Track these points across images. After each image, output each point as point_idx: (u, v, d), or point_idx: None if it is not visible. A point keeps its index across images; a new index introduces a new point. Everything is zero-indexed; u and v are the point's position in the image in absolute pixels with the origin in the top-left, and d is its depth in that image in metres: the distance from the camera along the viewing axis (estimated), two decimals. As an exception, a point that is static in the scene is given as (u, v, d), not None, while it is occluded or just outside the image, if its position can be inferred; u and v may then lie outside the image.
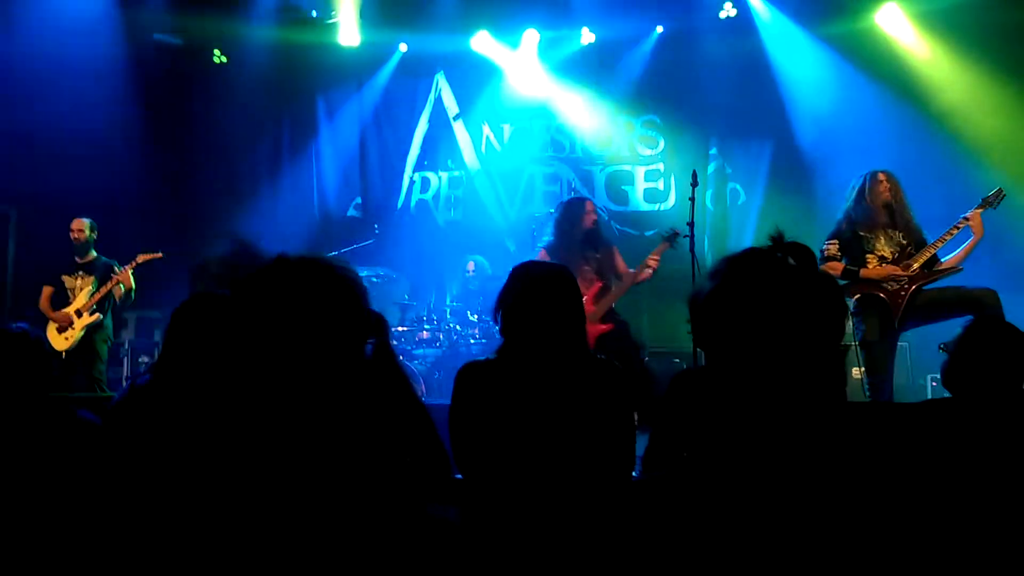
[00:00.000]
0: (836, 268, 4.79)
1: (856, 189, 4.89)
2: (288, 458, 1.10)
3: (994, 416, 2.19)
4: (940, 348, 2.41)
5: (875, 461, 1.02)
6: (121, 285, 6.07)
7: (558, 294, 2.39)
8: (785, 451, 1.03)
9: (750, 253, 1.10)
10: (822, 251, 4.87)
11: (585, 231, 5.27)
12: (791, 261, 1.10)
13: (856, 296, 4.79)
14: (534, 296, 2.37)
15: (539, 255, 5.36)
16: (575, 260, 5.08)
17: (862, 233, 4.80)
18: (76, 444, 2.29)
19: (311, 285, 1.12)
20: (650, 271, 5.23)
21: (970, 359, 2.28)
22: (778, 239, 1.10)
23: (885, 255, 4.75)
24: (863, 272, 4.73)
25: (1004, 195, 4.70)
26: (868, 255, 4.76)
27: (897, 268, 4.69)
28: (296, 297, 1.10)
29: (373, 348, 2.63)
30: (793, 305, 1.04)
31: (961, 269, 4.68)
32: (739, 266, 1.10)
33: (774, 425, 1.03)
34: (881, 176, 4.83)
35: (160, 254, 6.17)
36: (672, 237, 5.24)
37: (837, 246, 4.85)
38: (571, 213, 5.32)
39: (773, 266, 1.08)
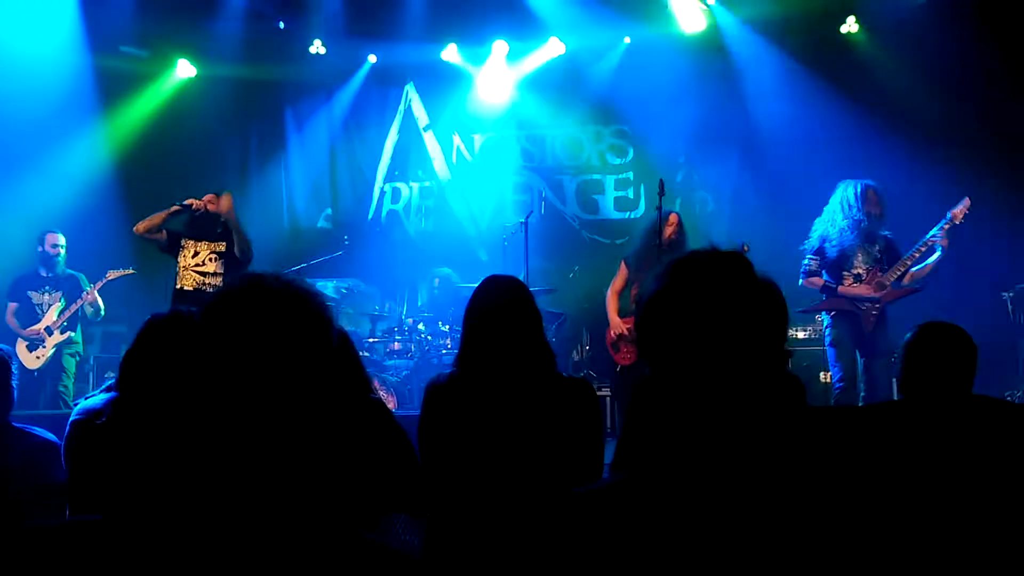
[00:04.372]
0: (817, 283, 5.03)
1: (845, 201, 4.96)
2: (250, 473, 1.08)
3: (942, 417, 2.24)
4: (892, 359, 2.47)
5: (826, 464, 1.04)
6: (86, 307, 6.00)
7: (511, 312, 2.38)
8: (729, 455, 1.04)
9: (691, 256, 1.11)
10: (805, 266, 5.06)
11: (669, 242, 5.08)
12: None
13: (832, 311, 5.00)
14: (489, 313, 2.38)
15: (620, 266, 5.33)
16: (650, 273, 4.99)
17: (841, 251, 4.95)
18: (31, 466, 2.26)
19: (287, 309, 1.09)
20: None
21: (919, 362, 2.34)
22: (714, 249, 1.12)
23: (860, 272, 4.92)
24: (840, 289, 4.94)
25: (970, 205, 4.82)
26: (844, 272, 4.94)
27: (870, 288, 4.87)
28: (272, 321, 1.08)
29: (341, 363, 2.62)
30: (731, 307, 1.05)
31: (921, 288, 4.88)
32: (679, 268, 1.11)
33: (716, 428, 1.05)
34: (871, 191, 4.94)
35: (131, 270, 6.08)
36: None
37: (818, 262, 5.04)
38: (654, 224, 5.14)
39: (712, 268, 1.09)
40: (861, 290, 4.89)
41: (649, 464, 1.05)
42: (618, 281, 5.37)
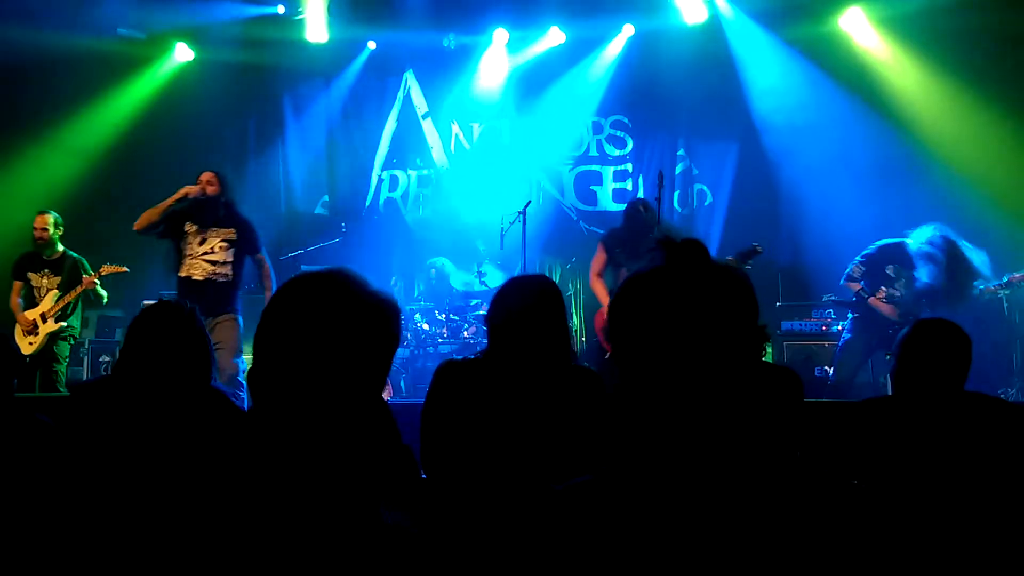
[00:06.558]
0: (854, 287, 5.20)
1: (932, 241, 5.06)
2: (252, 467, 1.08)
3: (932, 412, 2.24)
4: (887, 356, 2.47)
5: (815, 458, 1.03)
6: (89, 293, 5.95)
7: (545, 310, 2.41)
8: (699, 450, 1.03)
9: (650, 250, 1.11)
10: (850, 270, 5.21)
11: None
12: (685, 258, 1.10)
13: (856, 315, 5.20)
14: (523, 312, 2.39)
15: (598, 249, 5.23)
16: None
17: (888, 271, 5.14)
18: (33, 446, 2.26)
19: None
20: None
21: (912, 357, 2.33)
22: (668, 240, 1.10)
23: (895, 294, 5.10)
24: (871, 300, 5.09)
25: None
26: (883, 287, 5.12)
27: (894, 311, 5.04)
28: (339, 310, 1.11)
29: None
30: (684, 296, 1.05)
31: None
32: (636, 280, 1.10)
33: (686, 423, 1.04)
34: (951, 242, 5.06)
35: (125, 268, 6.01)
36: (749, 254, 5.06)
37: (862, 270, 5.19)
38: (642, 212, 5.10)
39: (665, 269, 1.08)
40: (886, 309, 5.07)
41: (623, 462, 1.05)
42: (596, 264, 5.29)
